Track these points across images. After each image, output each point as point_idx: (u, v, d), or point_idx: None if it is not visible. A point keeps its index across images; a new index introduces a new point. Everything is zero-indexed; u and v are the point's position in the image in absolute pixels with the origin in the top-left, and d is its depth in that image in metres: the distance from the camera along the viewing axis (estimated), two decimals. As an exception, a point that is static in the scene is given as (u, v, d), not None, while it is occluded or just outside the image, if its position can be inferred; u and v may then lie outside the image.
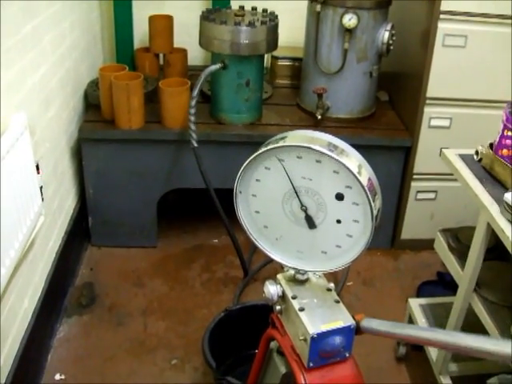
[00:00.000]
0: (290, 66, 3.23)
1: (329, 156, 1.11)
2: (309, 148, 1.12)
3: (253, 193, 1.24)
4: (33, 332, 2.10)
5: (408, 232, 2.97)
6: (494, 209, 1.64)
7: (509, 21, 2.45)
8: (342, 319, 1.23)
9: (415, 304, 2.31)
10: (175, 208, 3.24)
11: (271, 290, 1.29)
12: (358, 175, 1.10)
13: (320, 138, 1.15)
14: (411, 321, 2.29)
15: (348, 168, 1.10)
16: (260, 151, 1.17)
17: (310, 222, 1.22)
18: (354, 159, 1.13)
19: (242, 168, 1.20)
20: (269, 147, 1.16)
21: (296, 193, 1.18)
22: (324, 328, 1.20)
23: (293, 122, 2.82)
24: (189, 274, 2.80)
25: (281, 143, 1.15)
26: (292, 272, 1.32)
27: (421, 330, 1.19)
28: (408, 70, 2.84)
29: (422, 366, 2.30)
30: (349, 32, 2.61)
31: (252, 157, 1.18)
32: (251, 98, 2.70)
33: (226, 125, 2.74)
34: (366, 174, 1.14)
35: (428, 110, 2.66)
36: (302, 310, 1.24)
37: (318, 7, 2.64)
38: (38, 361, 2.20)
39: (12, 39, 1.90)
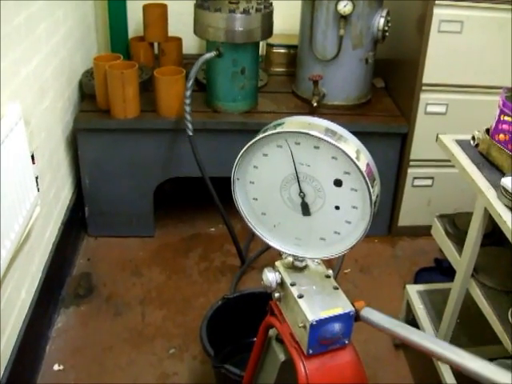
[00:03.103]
0: (286, 53, 3.22)
1: (327, 142, 1.10)
2: (307, 134, 1.11)
3: (250, 180, 1.24)
4: (31, 323, 2.10)
5: (405, 219, 2.97)
6: (490, 194, 1.64)
7: (504, 6, 2.44)
8: (341, 306, 1.23)
9: (413, 290, 2.31)
10: (172, 197, 3.24)
11: (270, 277, 1.29)
12: (356, 161, 1.10)
13: (318, 124, 1.14)
14: (409, 307, 2.30)
15: (346, 153, 1.09)
16: (258, 137, 1.16)
17: (305, 209, 1.22)
18: (352, 145, 1.13)
19: (240, 155, 1.19)
20: (266, 133, 1.15)
21: (297, 177, 1.17)
22: (323, 315, 1.20)
23: (289, 109, 2.81)
24: (186, 262, 2.80)
25: (278, 129, 1.14)
26: (290, 259, 1.31)
27: (424, 338, 1.18)
28: (404, 57, 2.84)
29: (420, 353, 2.30)
30: (344, 18, 2.60)
31: (250, 143, 1.17)
32: (246, 85, 2.69)
33: (221, 113, 2.73)
34: (365, 159, 1.13)
35: (424, 97, 2.66)
36: (300, 296, 1.24)
37: (313, -6, 2.63)
38: (36, 351, 2.20)
39: (5, 29, 1.89)
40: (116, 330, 2.40)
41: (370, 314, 1.23)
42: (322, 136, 1.10)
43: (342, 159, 1.11)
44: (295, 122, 1.17)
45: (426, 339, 1.16)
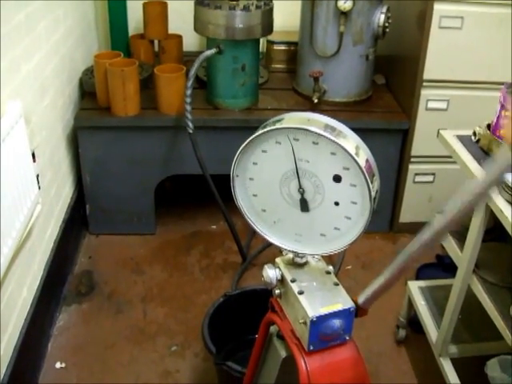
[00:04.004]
0: (286, 50, 3.22)
1: (326, 137, 1.10)
2: (306, 130, 1.11)
3: (250, 176, 1.23)
4: (32, 321, 2.10)
5: (406, 215, 2.97)
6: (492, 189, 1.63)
7: (505, 1, 2.44)
8: (342, 302, 1.23)
9: (414, 287, 2.31)
10: (173, 195, 3.24)
11: (270, 273, 1.28)
12: (355, 156, 1.09)
13: (317, 120, 1.14)
14: (410, 303, 2.30)
15: (345, 149, 1.09)
16: (257, 133, 1.16)
17: (304, 205, 1.21)
18: (351, 140, 1.12)
19: (239, 151, 1.19)
20: (265, 129, 1.15)
21: (297, 173, 1.17)
22: (324, 311, 1.20)
23: (289, 106, 2.81)
24: (188, 260, 2.80)
25: (277, 125, 1.14)
26: (291, 255, 1.31)
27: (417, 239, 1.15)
28: (404, 53, 2.83)
29: (421, 349, 2.31)
30: (344, 15, 2.59)
31: (249, 139, 1.17)
32: (247, 82, 2.69)
33: (222, 110, 2.73)
34: (364, 155, 1.13)
35: (425, 93, 2.65)
36: (301, 293, 1.23)
37: (313, -10, 2.63)
38: (38, 349, 2.20)
39: (5, 27, 1.89)
40: (118, 328, 2.40)
41: (363, 294, 1.23)
42: (321, 132, 1.10)
43: (341, 155, 1.11)
44: (294, 118, 1.17)
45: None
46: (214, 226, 3.04)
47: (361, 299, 1.23)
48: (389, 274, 1.17)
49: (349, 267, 2.77)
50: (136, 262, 2.76)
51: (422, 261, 2.77)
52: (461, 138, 1.90)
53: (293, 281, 1.27)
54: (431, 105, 2.67)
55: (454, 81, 2.63)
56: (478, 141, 1.86)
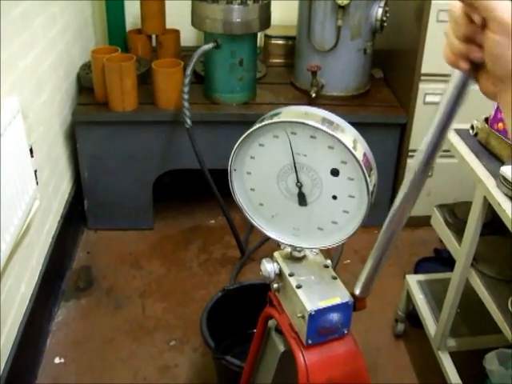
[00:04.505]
0: (284, 44, 3.22)
1: (323, 131, 1.10)
2: (303, 123, 1.11)
3: (247, 170, 1.23)
4: (31, 316, 2.11)
5: (405, 209, 2.96)
6: (490, 182, 1.63)
7: (503, -6, 2.43)
8: (340, 295, 1.23)
9: (413, 280, 2.31)
10: (171, 189, 3.24)
11: (268, 267, 1.28)
12: (353, 150, 1.09)
13: (314, 114, 1.14)
14: (409, 297, 2.30)
15: (343, 143, 1.09)
16: (254, 127, 1.16)
17: (302, 199, 1.21)
18: (348, 134, 1.12)
19: (237, 145, 1.19)
20: (263, 123, 1.15)
21: (295, 167, 1.17)
22: (322, 305, 1.20)
23: (287, 100, 2.81)
24: (186, 255, 2.80)
25: (275, 119, 1.14)
26: (289, 249, 1.31)
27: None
28: (402, 47, 2.83)
29: (420, 343, 2.31)
30: (342, 9, 2.59)
31: (246, 133, 1.16)
32: (245, 77, 2.69)
33: (219, 104, 2.73)
34: (362, 148, 1.13)
35: (423, 87, 2.65)
36: (299, 287, 1.23)
37: (311, -16, 2.62)
38: (36, 345, 2.20)
39: (2, 22, 1.88)
40: (116, 323, 2.40)
41: (357, 284, 1.24)
42: (318, 125, 1.10)
43: (338, 149, 1.11)
44: (292, 112, 1.16)
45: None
46: (213, 221, 3.04)
47: (357, 289, 1.24)
48: (376, 253, 1.17)
49: (347, 261, 2.77)
50: (134, 257, 2.76)
51: (421, 255, 2.78)
52: (459, 132, 1.90)
53: (291, 275, 1.27)
54: (429, 99, 2.67)
55: (452, 75, 2.62)
56: (475, 134, 1.86)
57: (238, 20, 2.50)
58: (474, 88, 2.67)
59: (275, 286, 1.31)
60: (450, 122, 0.89)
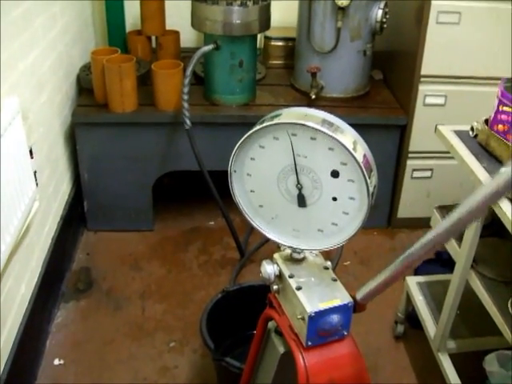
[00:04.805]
0: (283, 46, 3.22)
1: (323, 133, 1.10)
2: (303, 125, 1.11)
3: (247, 172, 1.23)
4: (31, 317, 2.10)
5: (404, 211, 2.97)
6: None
7: (503, -4, 2.44)
8: (340, 297, 1.23)
9: (413, 282, 2.31)
10: (171, 191, 3.24)
11: (268, 269, 1.28)
12: (353, 152, 1.09)
13: (314, 115, 1.14)
14: (409, 299, 2.30)
15: (343, 144, 1.09)
16: (254, 129, 1.16)
17: (301, 201, 1.21)
18: (348, 136, 1.12)
19: (237, 146, 1.19)
20: (263, 125, 1.15)
21: (296, 169, 1.17)
22: (322, 306, 1.19)
23: (287, 102, 2.81)
24: (186, 256, 2.80)
25: (275, 121, 1.14)
26: (288, 251, 1.31)
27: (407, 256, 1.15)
28: (402, 48, 2.83)
29: (420, 344, 2.31)
30: (342, 10, 2.59)
31: (247, 134, 1.16)
32: (245, 78, 2.69)
33: (219, 106, 2.73)
34: (362, 150, 1.13)
35: (423, 88, 2.65)
36: (299, 288, 1.23)
37: (311, -14, 2.62)
38: (36, 346, 2.20)
39: (2, 23, 1.88)
40: (116, 324, 2.40)
41: (361, 290, 1.23)
42: (318, 127, 1.10)
43: (338, 150, 1.11)
44: (292, 114, 1.16)
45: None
46: (212, 222, 3.03)
47: (359, 295, 1.23)
48: (389, 272, 1.16)
49: (347, 263, 2.77)
50: (134, 259, 2.76)
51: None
52: (458, 134, 1.90)
53: (291, 276, 1.26)
54: (429, 100, 2.67)
55: (452, 76, 2.62)
56: (475, 136, 1.86)
57: (238, 21, 2.50)
58: (473, 89, 2.66)
59: (275, 287, 1.31)
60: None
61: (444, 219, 1.02)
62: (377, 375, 2.21)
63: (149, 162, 2.77)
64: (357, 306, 1.24)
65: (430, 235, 1.06)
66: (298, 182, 1.19)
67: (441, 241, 1.06)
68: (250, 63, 2.69)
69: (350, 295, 1.24)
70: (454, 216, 1.00)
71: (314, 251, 1.31)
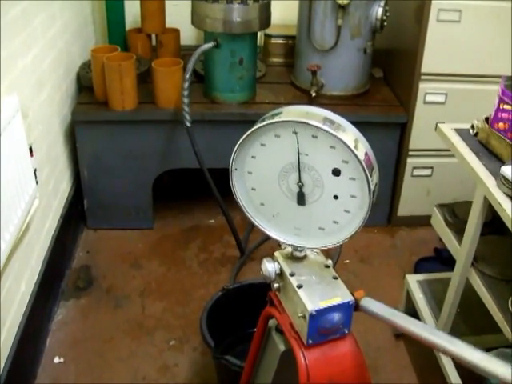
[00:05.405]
0: (284, 44, 3.22)
1: (325, 131, 1.09)
2: (305, 123, 1.11)
3: (248, 170, 1.23)
4: (31, 316, 2.10)
5: (404, 209, 2.97)
6: (490, 182, 1.63)
7: (503, -6, 2.44)
8: (341, 296, 1.22)
9: (413, 280, 2.31)
10: (171, 189, 3.24)
11: (269, 267, 1.28)
12: (354, 150, 1.09)
13: (316, 113, 1.14)
14: (409, 297, 2.30)
15: (344, 143, 1.09)
16: (255, 127, 1.15)
17: (301, 199, 1.21)
18: (350, 134, 1.12)
19: (238, 145, 1.18)
20: (264, 123, 1.14)
21: (299, 167, 1.17)
22: (323, 305, 1.19)
23: (287, 99, 2.81)
24: (186, 254, 2.80)
25: (276, 119, 1.14)
26: (289, 249, 1.31)
27: (423, 329, 1.17)
28: (402, 46, 2.83)
29: (420, 343, 2.30)
30: (342, 8, 2.59)
31: (248, 133, 1.16)
32: (245, 76, 2.69)
33: (219, 104, 2.73)
34: (363, 148, 1.13)
35: (423, 86, 2.65)
36: (300, 287, 1.23)
37: (311, -17, 2.62)
38: (36, 344, 2.20)
39: (1, 21, 1.88)
40: (116, 322, 2.40)
41: (370, 303, 1.23)
42: (320, 125, 1.10)
43: (340, 148, 1.11)
44: (293, 112, 1.16)
45: (425, 330, 1.15)
46: (212, 220, 3.03)
47: (364, 303, 1.23)
48: (394, 320, 1.19)
49: (347, 261, 2.77)
50: (134, 257, 2.76)
51: (421, 254, 2.78)
52: (459, 132, 1.90)
53: (292, 274, 1.26)
54: (429, 98, 2.67)
55: (452, 74, 2.62)
56: (476, 134, 1.86)
57: (238, 19, 2.50)
58: (474, 87, 2.66)
59: (276, 285, 1.31)
60: None
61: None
62: (377, 374, 2.21)
63: (149, 160, 2.77)
64: (357, 305, 1.24)
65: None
66: (300, 180, 1.18)
67: None
68: (250, 61, 2.69)
69: (351, 294, 1.24)
70: None
71: (314, 249, 1.31)
